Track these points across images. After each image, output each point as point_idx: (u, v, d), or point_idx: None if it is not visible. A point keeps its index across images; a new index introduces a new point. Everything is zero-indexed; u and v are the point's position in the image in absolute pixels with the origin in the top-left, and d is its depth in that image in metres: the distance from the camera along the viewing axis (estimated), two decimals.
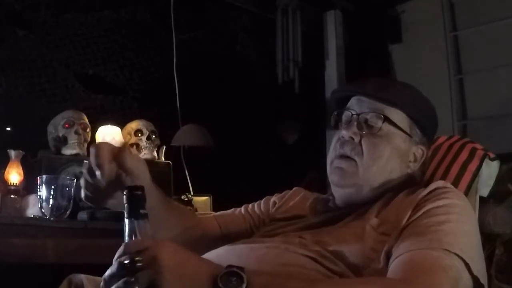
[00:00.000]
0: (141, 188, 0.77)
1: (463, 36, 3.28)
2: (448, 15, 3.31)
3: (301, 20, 3.03)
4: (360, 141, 1.06)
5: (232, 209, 1.29)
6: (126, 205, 0.76)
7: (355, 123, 1.08)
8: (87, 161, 0.91)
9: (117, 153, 0.92)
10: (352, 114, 1.09)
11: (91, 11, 2.61)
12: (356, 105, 1.10)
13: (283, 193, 1.29)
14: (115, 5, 2.70)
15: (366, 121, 1.08)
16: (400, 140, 1.08)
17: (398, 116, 1.08)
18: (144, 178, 0.94)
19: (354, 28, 3.27)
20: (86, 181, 0.92)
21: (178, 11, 2.77)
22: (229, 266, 0.71)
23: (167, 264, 0.66)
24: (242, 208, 1.28)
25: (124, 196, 0.77)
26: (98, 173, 0.88)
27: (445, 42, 3.30)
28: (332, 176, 1.10)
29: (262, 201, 1.29)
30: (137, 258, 0.66)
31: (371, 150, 1.06)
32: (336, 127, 1.14)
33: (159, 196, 1.03)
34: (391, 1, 3.51)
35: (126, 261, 0.66)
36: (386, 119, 1.06)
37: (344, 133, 1.08)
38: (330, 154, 1.12)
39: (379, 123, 1.06)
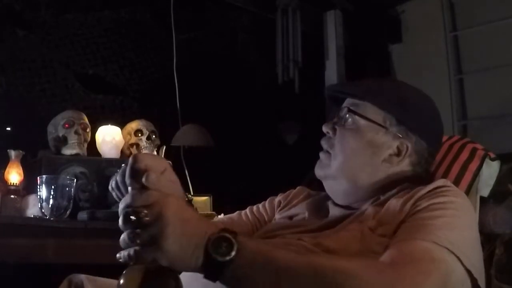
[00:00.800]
0: None
1: (463, 36, 3.28)
2: (448, 15, 3.31)
3: (301, 20, 3.03)
4: (334, 135, 1.12)
5: (237, 213, 1.29)
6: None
7: (332, 119, 1.13)
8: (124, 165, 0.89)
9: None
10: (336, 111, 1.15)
11: (91, 11, 2.61)
12: (346, 103, 1.14)
13: (287, 192, 1.29)
14: (115, 5, 2.70)
15: (341, 116, 1.12)
16: (372, 133, 1.08)
17: (370, 109, 1.09)
18: None
19: (354, 28, 3.27)
20: (117, 185, 0.92)
21: (178, 11, 2.77)
22: (224, 229, 0.72)
23: (171, 222, 0.68)
24: (248, 210, 1.28)
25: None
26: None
27: (445, 42, 3.30)
28: (315, 171, 1.15)
29: (267, 202, 1.29)
30: (143, 213, 0.68)
31: (341, 142, 1.10)
32: None
33: None
34: (391, 1, 3.51)
35: (132, 215, 0.69)
36: (350, 110, 1.09)
37: (323, 128, 1.14)
38: None
39: (346, 116, 1.10)
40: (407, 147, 1.09)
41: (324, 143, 1.13)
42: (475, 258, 0.87)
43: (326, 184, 1.14)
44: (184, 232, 0.69)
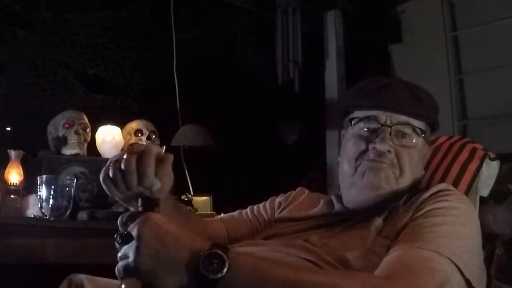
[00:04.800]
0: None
1: (463, 36, 3.29)
2: (448, 15, 3.31)
3: (301, 20, 3.03)
4: (395, 154, 1.04)
5: (238, 211, 1.28)
6: (140, 208, 0.77)
7: (387, 135, 1.04)
8: (118, 157, 0.85)
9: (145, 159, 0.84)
10: (382, 125, 1.05)
11: (91, 11, 2.61)
12: (383, 115, 1.06)
13: (287, 193, 1.28)
14: (115, 5, 2.70)
15: (401, 133, 1.06)
16: (422, 147, 1.10)
17: (421, 125, 1.09)
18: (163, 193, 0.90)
19: (354, 28, 3.27)
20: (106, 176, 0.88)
21: (178, 11, 2.78)
22: (214, 245, 0.70)
23: (144, 238, 0.67)
24: (248, 210, 1.27)
25: (139, 200, 0.78)
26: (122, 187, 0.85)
27: (445, 42, 3.31)
28: (367, 176, 1.04)
29: (268, 202, 1.28)
30: (126, 231, 0.69)
31: (410, 164, 1.05)
32: (342, 127, 1.14)
33: (173, 208, 1.04)
34: (391, 1, 3.51)
35: (119, 232, 0.69)
36: (422, 132, 1.08)
37: (379, 146, 1.03)
38: (351, 160, 1.07)
39: (415, 136, 1.06)
40: (427, 152, 1.14)
41: (385, 159, 1.03)
42: (475, 267, 0.87)
43: (367, 197, 1.04)
44: (159, 247, 0.67)
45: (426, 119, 1.09)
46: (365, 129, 1.08)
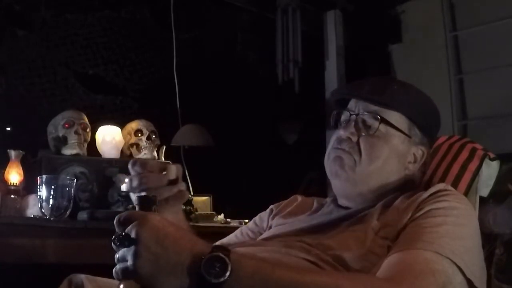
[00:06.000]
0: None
1: (463, 36, 3.28)
2: (448, 15, 3.31)
3: (301, 20, 3.03)
4: (357, 141, 1.07)
5: (227, 238, 1.28)
6: (137, 207, 0.76)
7: (353, 123, 1.08)
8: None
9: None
10: (351, 115, 1.09)
11: (91, 11, 2.61)
12: (354, 105, 1.11)
13: (279, 202, 1.28)
14: (115, 5, 2.70)
15: (363, 121, 1.08)
16: (398, 141, 1.08)
17: (396, 117, 1.08)
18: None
19: (354, 28, 3.27)
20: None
21: (178, 11, 2.78)
22: (215, 247, 0.68)
23: (143, 240, 0.65)
24: (237, 232, 1.28)
25: (136, 198, 0.77)
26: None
27: (445, 42, 3.30)
28: (330, 166, 1.09)
29: (257, 217, 1.28)
30: (124, 233, 0.66)
31: (369, 150, 1.06)
32: (336, 127, 1.14)
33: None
34: (391, 1, 3.51)
35: (116, 233, 0.67)
36: (383, 120, 1.06)
37: (342, 133, 1.08)
38: (328, 150, 1.12)
39: (375, 124, 1.06)
40: (423, 154, 1.11)
41: (345, 146, 1.07)
42: (476, 267, 0.87)
43: (338, 183, 1.10)
44: (159, 250, 0.65)
45: (386, 106, 1.07)
46: (341, 122, 1.12)
